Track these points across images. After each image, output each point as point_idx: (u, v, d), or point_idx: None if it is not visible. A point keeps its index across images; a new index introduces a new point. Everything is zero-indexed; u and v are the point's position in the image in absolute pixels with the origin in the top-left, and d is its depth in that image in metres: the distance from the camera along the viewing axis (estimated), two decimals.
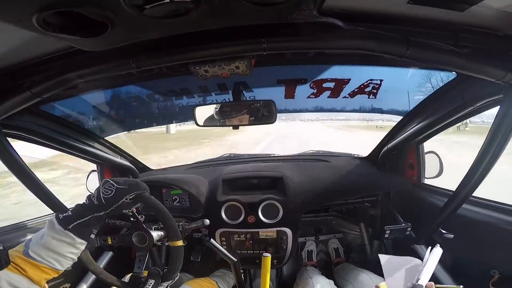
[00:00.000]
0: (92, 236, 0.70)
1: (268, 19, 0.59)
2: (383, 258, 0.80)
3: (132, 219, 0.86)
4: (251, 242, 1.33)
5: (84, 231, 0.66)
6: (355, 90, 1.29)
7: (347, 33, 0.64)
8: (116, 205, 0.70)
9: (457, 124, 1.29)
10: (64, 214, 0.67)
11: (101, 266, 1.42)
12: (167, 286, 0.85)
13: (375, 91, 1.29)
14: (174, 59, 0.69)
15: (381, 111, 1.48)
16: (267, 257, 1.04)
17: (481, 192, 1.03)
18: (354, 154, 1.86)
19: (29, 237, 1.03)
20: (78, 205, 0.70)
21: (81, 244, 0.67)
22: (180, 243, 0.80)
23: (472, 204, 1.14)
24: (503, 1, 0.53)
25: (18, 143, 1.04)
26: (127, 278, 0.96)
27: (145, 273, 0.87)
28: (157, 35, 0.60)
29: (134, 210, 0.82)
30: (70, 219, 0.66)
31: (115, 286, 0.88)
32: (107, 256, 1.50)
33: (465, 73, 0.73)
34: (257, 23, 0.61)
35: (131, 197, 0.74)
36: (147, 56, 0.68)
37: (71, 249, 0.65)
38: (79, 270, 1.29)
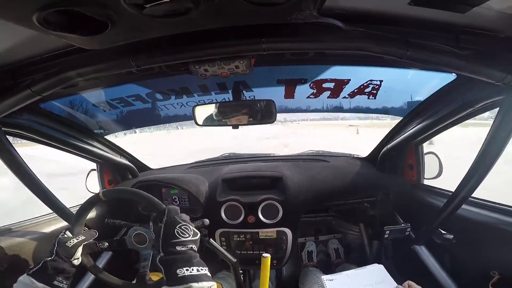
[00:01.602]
0: (60, 283, 0.72)
1: (268, 19, 0.59)
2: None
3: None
4: (250, 242, 1.33)
5: (42, 275, 0.71)
6: (355, 90, 1.29)
7: (347, 34, 0.64)
8: (55, 247, 0.77)
9: None
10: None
11: (100, 266, 1.42)
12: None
13: (375, 91, 1.29)
14: (173, 58, 0.69)
15: (380, 111, 1.48)
16: (267, 258, 1.04)
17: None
18: (353, 154, 1.86)
19: (22, 238, 1.02)
20: None
21: None
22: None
23: (472, 205, 1.14)
24: (505, 2, 0.53)
25: None
26: None
27: (151, 275, 0.87)
28: (157, 34, 0.60)
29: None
30: (34, 265, 0.73)
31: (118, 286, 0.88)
32: (106, 256, 1.50)
33: (465, 75, 0.73)
34: (257, 23, 0.61)
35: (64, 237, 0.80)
36: (146, 55, 0.68)
37: None
38: (78, 270, 1.29)
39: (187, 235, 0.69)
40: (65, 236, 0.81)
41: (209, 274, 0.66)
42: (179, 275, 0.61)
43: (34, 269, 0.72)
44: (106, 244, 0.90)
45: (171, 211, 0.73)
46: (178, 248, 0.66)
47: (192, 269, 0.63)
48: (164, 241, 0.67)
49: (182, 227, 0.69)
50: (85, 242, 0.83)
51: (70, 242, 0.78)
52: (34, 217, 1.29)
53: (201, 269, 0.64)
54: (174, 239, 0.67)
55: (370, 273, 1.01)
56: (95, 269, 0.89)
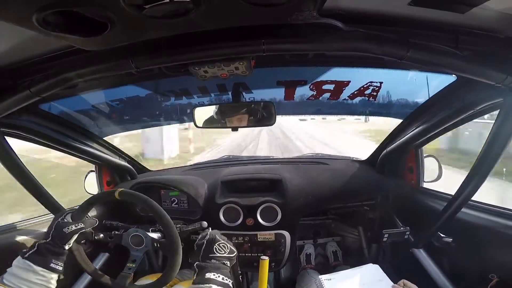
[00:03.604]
0: (56, 266, 0.74)
1: (268, 20, 0.59)
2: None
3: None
4: (249, 245, 1.32)
5: (39, 258, 0.73)
6: (355, 92, 1.29)
7: (347, 34, 0.64)
8: (52, 231, 0.78)
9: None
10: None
11: (97, 267, 1.41)
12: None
13: (375, 93, 1.29)
14: (173, 60, 0.69)
15: (380, 113, 1.48)
16: (265, 260, 1.03)
17: None
18: (353, 157, 1.86)
19: (20, 237, 1.05)
20: None
21: (43, 271, 0.71)
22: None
23: (471, 208, 1.14)
24: (505, 2, 0.53)
25: None
26: None
27: (147, 277, 0.87)
28: (156, 35, 0.60)
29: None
30: (29, 249, 0.74)
31: (106, 285, 0.87)
32: (103, 257, 1.49)
33: (465, 76, 0.73)
34: (257, 24, 0.61)
35: (66, 217, 0.82)
36: (146, 56, 0.68)
37: (35, 276, 0.71)
38: (74, 270, 1.28)
39: (223, 252, 0.81)
40: (65, 220, 0.80)
41: (232, 286, 0.75)
42: (206, 276, 0.73)
43: (30, 252, 0.73)
44: (102, 235, 0.90)
45: (212, 233, 0.87)
46: (213, 261, 0.79)
47: (219, 276, 0.74)
48: (204, 253, 0.80)
49: (221, 244, 0.82)
50: (83, 231, 0.82)
51: (68, 228, 0.78)
52: (34, 217, 1.28)
53: (226, 279, 0.75)
54: (212, 253, 0.80)
55: (367, 272, 1.00)
56: (80, 257, 0.88)
